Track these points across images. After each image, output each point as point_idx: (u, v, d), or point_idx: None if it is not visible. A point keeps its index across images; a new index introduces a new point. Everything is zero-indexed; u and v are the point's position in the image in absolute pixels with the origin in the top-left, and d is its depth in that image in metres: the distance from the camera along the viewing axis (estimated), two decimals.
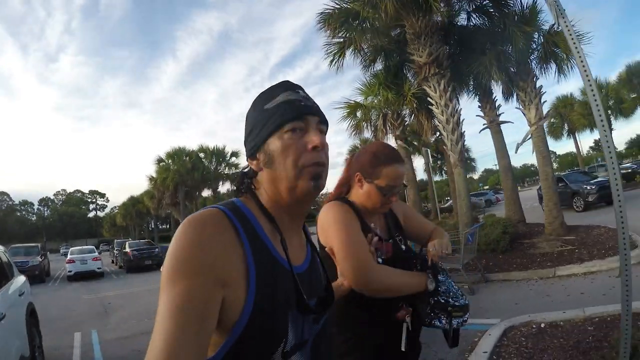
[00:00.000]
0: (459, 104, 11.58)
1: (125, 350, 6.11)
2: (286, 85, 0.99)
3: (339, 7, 9.86)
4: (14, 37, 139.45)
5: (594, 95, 2.42)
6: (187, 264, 0.77)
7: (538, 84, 10.70)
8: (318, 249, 1.35)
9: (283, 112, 0.93)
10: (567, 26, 2.44)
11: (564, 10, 2.49)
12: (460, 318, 1.52)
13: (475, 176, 72.24)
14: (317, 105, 1.00)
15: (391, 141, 14.59)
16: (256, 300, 0.81)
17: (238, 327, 0.80)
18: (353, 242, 1.46)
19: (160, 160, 31.77)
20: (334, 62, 10.74)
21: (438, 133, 30.36)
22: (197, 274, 0.76)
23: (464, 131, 10.11)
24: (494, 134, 12.43)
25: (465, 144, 10.14)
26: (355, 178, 1.63)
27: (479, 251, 8.64)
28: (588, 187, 16.54)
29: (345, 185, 1.71)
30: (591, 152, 71.48)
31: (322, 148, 0.94)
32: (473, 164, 42.62)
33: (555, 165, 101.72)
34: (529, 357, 3.85)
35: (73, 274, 19.16)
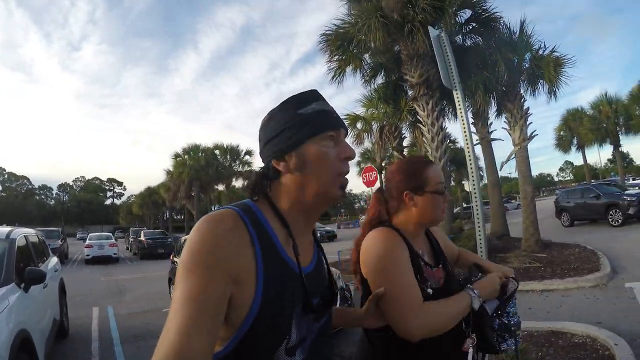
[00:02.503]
0: (445, 123, 12.28)
1: (136, 322, 7.20)
2: (317, 95, 1.03)
3: (336, 29, 10.59)
4: (37, 25, 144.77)
5: (469, 153, 3.41)
6: (201, 258, 0.82)
7: (526, 105, 11.21)
8: (359, 280, 1.48)
9: (323, 119, 0.99)
10: (458, 97, 3.44)
11: (458, 83, 3.48)
12: (518, 336, 1.48)
13: None
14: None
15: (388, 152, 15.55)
16: (263, 298, 0.85)
17: (246, 323, 0.85)
18: (403, 285, 1.33)
19: (177, 155, 33.22)
20: (335, 77, 11.48)
21: (447, 141, 30.81)
22: (210, 268, 0.81)
23: (450, 147, 10.87)
24: (485, 149, 13.27)
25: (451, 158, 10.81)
26: (405, 198, 1.51)
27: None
28: (628, 199, 14.31)
29: (376, 218, 1.57)
30: (609, 164, 70.91)
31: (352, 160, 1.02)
32: (481, 173, 42.93)
33: (570, 177, 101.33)
34: None
35: (91, 257, 20.52)
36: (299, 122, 0.97)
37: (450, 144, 29.01)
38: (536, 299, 6.79)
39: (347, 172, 1.00)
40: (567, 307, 6.16)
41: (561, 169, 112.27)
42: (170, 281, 8.60)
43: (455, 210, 38.31)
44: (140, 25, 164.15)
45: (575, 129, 35.62)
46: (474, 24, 11.27)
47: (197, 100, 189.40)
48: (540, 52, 11.08)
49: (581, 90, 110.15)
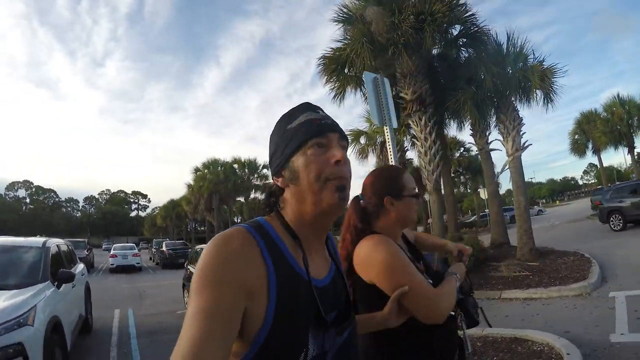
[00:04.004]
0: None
1: (152, 322, 8.15)
2: (306, 107, 1.05)
3: (332, 52, 11.32)
4: (62, 44, 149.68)
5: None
6: (213, 275, 0.83)
7: (520, 115, 11.40)
8: (356, 284, 1.51)
9: (306, 129, 0.99)
10: (387, 133, 4.17)
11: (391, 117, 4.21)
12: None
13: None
14: (337, 123, 1.05)
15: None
16: (276, 312, 0.86)
17: (260, 338, 0.85)
18: (418, 280, 1.43)
19: (197, 170, 34.66)
20: (337, 97, 12.15)
21: (462, 149, 30.93)
22: (222, 283, 0.82)
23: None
24: (484, 160, 13.33)
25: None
26: (386, 204, 1.59)
27: None
28: None
29: (354, 226, 1.61)
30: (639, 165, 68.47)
31: (345, 163, 0.98)
32: (499, 180, 42.84)
33: (594, 180, 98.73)
34: None
35: (115, 266, 21.83)
36: (287, 138, 1.01)
37: (464, 152, 29.53)
38: (516, 308, 6.91)
39: (341, 175, 0.97)
40: (542, 315, 6.23)
41: (585, 172, 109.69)
42: (184, 287, 9.28)
43: (471, 219, 38.38)
44: (162, 41, 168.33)
45: (590, 132, 34.37)
46: (464, 39, 11.79)
47: (219, 113, 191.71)
48: (530, 61, 11.32)
49: (603, 91, 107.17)
